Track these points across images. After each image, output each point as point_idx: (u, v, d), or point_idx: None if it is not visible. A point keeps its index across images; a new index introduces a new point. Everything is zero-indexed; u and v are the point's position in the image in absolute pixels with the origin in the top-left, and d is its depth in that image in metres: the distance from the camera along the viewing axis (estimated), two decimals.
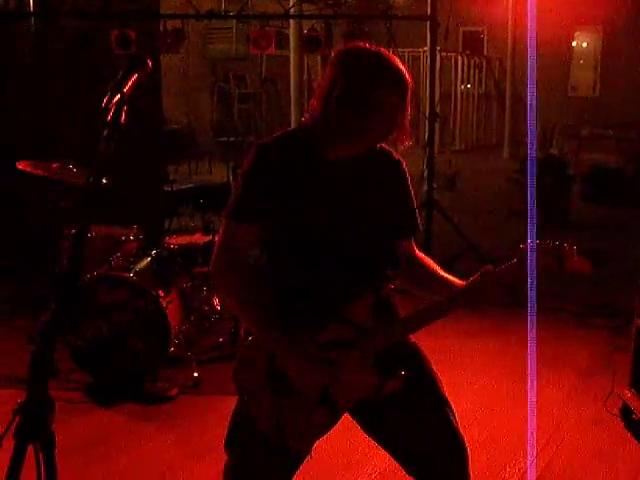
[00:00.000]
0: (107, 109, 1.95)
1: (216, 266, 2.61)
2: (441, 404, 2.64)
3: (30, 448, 1.93)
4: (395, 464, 2.70)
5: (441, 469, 2.60)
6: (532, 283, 2.47)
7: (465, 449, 2.60)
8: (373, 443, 2.71)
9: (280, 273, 2.66)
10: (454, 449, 2.59)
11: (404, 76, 2.52)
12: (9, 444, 1.95)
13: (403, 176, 2.75)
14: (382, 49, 2.58)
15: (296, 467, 2.67)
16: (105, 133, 1.94)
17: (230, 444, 2.68)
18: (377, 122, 2.51)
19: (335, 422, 2.57)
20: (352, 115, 2.48)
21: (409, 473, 2.66)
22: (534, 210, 3.50)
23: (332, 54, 2.62)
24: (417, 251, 2.83)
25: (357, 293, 2.55)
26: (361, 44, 2.57)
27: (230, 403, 2.70)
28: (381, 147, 2.68)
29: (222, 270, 2.60)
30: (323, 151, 2.58)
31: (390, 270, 2.77)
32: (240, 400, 2.65)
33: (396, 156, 2.74)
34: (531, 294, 2.52)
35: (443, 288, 2.64)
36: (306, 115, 2.64)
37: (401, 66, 2.53)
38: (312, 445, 2.58)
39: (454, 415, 2.64)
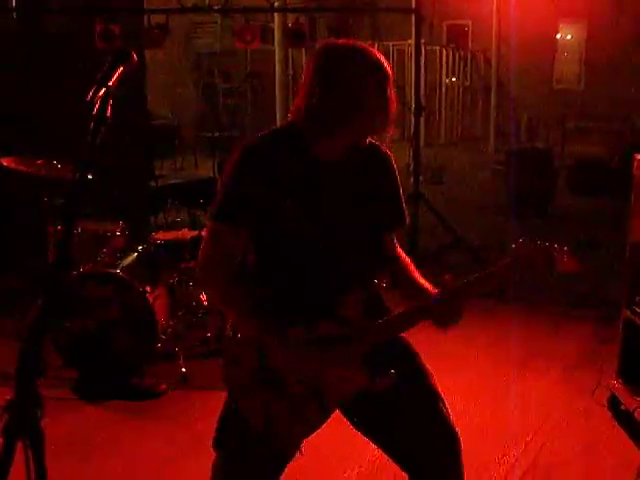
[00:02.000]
0: (92, 103, 1.94)
1: (201, 265, 2.62)
2: (434, 399, 2.64)
3: (19, 446, 1.92)
4: (385, 458, 2.70)
5: (435, 463, 2.60)
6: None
7: (458, 443, 2.61)
8: (362, 437, 2.70)
9: (269, 272, 2.64)
10: (448, 443, 2.60)
11: (384, 68, 2.53)
12: None
13: (391, 170, 2.75)
14: (361, 43, 2.59)
15: (285, 464, 2.66)
16: (91, 127, 1.93)
17: (218, 444, 2.67)
18: (359, 115, 2.51)
19: (325, 419, 2.57)
20: (334, 109, 2.49)
21: (402, 467, 2.66)
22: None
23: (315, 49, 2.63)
24: (398, 248, 2.84)
25: (347, 289, 2.55)
26: (339, 40, 2.58)
27: (219, 398, 2.69)
28: (370, 142, 2.67)
29: (207, 269, 2.60)
30: (309, 149, 2.57)
31: (380, 266, 2.77)
32: (229, 398, 2.64)
33: (384, 150, 2.74)
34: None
35: (414, 293, 2.65)
36: (291, 113, 2.64)
37: (381, 58, 2.54)
38: (302, 442, 2.57)
39: (447, 409, 2.64)
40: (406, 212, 2.84)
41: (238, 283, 2.59)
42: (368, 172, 2.67)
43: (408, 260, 2.82)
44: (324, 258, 2.58)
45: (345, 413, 2.67)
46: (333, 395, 2.52)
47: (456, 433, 2.61)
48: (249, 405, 2.56)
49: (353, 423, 2.69)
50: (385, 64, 2.54)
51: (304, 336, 2.51)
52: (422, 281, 2.70)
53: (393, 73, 2.59)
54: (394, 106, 2.56)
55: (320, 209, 2.57)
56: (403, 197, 2.82)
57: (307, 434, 2.57)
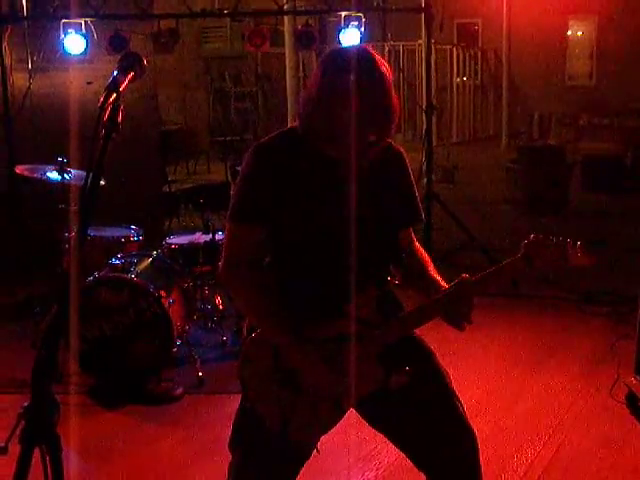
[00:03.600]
0: (103, 108, 1.94)
1: (223, 267, 2.62)
2: (449, 396, 2.63)
3: (37, 452, 1.93)
4: (402, 459, 2.69)
5: (451, 462, 2.58)
6: None
7: (475, 441, 2.59)
8: (381, 438, 2.70)
9: (285, 271, 2.65)
10: (463, 441, 2.59)
11: (380, 73, 2.48)
12: (15, 449, 1.94)
13: (404, 166, 2.76)
14: (364, 47, 2.57)
15: (301, 464, 2.65)
16: (102, 132, 1.93)
17: (234, 443, 2.67)
18: (353, 122, 2.47)
19: (341, 417, 2.57)
20: (327, 117, 2.49)
21: (419, 467, 2.65)
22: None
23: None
24: (416, 244, 2.84)
25: (361, 288, 2.55)
26: (348, 46, 2.57)
27: (234, 402, 2.69)
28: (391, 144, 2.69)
29: (228, 271, 2.61)
30: (321, 148, 2.58)
31: (394, 264, 2.77)
32: (244, 398, 2.64)
33: (397, 147, 2.75)
34: None
35: (426, 286, 2.66)
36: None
37: (379, 63, 2.50)
38: (318, 440, 2.58)
39: (463, 407, 2.63)
40: (421, 208, 2.84)
41: (258, 284, 2.60)
42: (382, 169, 2.66)
43: (426, 256, 2.81)
44: (338, 256, 2.58)
45: (361, 411, 2.66)
46: (348, 394, 2.52)
47: (472, 431, 2.60)
48: (265, 405, 2.56)
49: (369, 421, 2.69)
50: (382, 69, 2.49)
51: (319, 336, 2.52)
52: (436, 276, 2.70)
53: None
54: (385, 106, 2.51)
55: (334, 207, 2.57)
56: (417, 192, 2.82)
57: (322, 433, 2.57)
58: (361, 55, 2.50)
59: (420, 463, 2.65)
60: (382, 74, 2.49)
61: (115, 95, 1.96)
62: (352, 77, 2.44)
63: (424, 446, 2.61)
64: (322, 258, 2.60)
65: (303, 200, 2.56)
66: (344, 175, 2.57)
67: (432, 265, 2.77)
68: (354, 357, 2.50)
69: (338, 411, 2.55)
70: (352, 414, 2.59)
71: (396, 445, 2.69)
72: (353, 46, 2.60)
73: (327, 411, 2.53)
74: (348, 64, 2.46)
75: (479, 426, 2.61)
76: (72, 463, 2.08)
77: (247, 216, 2.57)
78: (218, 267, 2.67)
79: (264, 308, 2.58)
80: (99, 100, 1.95)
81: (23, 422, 1.90)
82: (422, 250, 2.84)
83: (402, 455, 2.68)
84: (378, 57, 2.53)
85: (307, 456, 2.62)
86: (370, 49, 2.55)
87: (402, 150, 2.75)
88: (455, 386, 2.67)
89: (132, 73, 2.06)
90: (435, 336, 2.77)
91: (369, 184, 2.62)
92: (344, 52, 2.57)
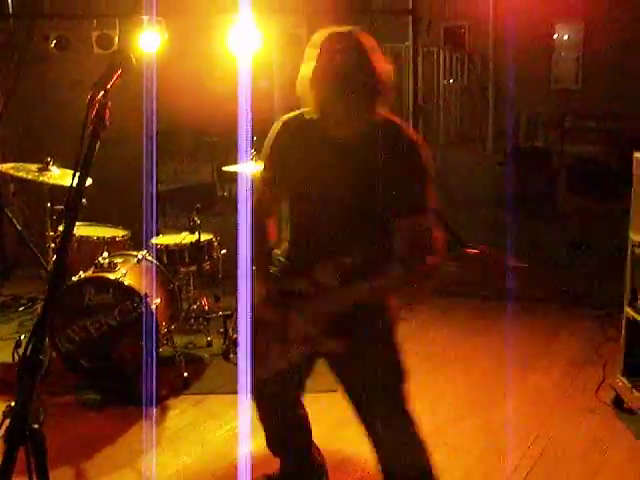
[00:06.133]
0: (91, 106, 1.92)
1: (252, 205, 3.18)
2: (376, 375, 2.98)
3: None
4: None
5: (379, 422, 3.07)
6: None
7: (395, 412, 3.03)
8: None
9: (288, 222, 3.14)
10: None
11: (364, 53, 2.79)
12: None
13: (410, 154, 2.90)
14: (354, 30, 2.88)
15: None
16: (90, 130, 1.92)
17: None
18: (341, 101, 2.83)
19: (287, 363, 2.96)
20: (317, 96, 2.86)
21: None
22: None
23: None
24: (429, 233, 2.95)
25: (330, 254, 2.90)
26: (337, 28, 2.88)
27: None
28: (394, 125, 2.91)
29: (253, 208, 3.16)
30: (324, 125, 2.93)
31: (380, 244, 2.97)
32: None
33: (409, 136, 2.93)
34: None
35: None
36: None
37: (365, 44, 2.81)
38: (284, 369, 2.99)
39: (395, 388, 3.03)
40: (423, 199, 2.92)
41: (264, 227, 3.16)
42: (377, 152, 2.85)
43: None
44: (321, 223, 2.97)
45: (327, 362, 3.04)
46: (295, 345, 2.93)
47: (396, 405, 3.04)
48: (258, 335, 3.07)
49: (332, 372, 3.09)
50: (357, 42, 2.81)
51: (285, 287, 2.97)
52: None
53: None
54: (370, 84, 2.80)
55: (322, 178, 2.93)
56: (425, 184, 2.92)
57: (281, 368, 2.99)
58: (347, 37, 2.83)
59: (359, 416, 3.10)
60: (366, 54, 2.80)
61: (103, 93, 1.94)
62: (338, 58, 2.78)
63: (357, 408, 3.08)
64: (310, 221, 3.02)
65: (302, 169, 3.00)
66: (335, 150, 2.91)
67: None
68: (300, 314, 2.89)
69: (284, 357, 2.95)
70: (337, 417, 2.59)
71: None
72: (344, 28, 2.87)
73: (276, 353, 2.95)
74: (336, 46, 2.80)
75: (465, 427, 2.62)
76: (54, 463, 2.06)
77: (266, 166, 3.14)
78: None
79: (258, 247, 3.13)
80: (87, 98, 1.93)
81: (7, 421, 1.88)
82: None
83: None
84: (365, 38, 2.85)
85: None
86: (358, 31, 2.87)
87: (418, 140, 2.94)
88: (441, 388, 2.69)
89: (120, 71, 2.04)
90: (424, 338, 2.78)
91: (358, 162, 2.88)
92: (334, 35, 2.86)
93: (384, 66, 2.84)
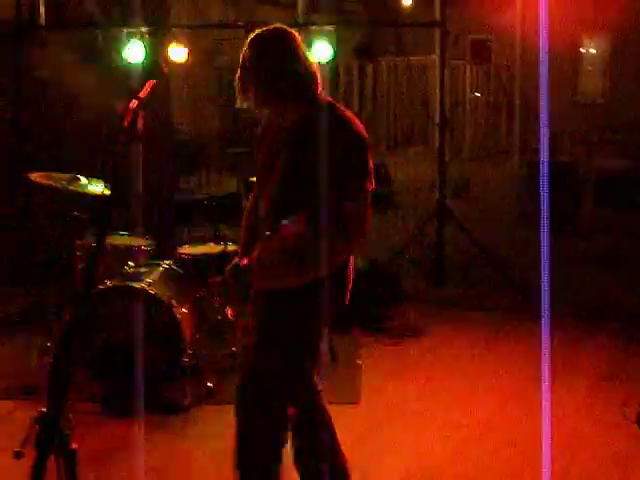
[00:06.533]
0: (124, 115, 1.94)
1: None
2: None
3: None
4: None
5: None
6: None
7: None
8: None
9: None
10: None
11: (261, 52, 3.17)
12: (30, 453, 1.93)
13: (331, 147, 2.98)
14: (266, 29, 3.30)
15: None
16: (123, 139, 1.93)
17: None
18: (260, 95, 3.15)
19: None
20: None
21: None
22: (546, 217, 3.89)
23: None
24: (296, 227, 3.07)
25: (261, 232, 3.18)
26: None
27: None
28: (332, 117, 3.06)
29: None
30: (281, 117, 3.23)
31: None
32: None
33: (340, 125, 3.06)
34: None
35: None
36: None
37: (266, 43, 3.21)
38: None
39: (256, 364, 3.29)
40: (318, 201, 2.98)
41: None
42: (298, 143, 3.08)
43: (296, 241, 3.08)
44: (260, 208, 3.27)
45: None
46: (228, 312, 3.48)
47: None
48: None
49: None
50: (257, 37, 3.23)
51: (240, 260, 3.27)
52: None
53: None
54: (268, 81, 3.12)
55: (259, 168, 3.30)
56: (332, 182, 2.98)
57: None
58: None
59: None
60: (262, 54, 3.17)
61: (136, 102, 1.96)
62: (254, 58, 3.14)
63: None
64: (257, 206, 3.33)
65: (257, 154, 3.35)
66: (275, 140, 3.21)
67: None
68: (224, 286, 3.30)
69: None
70: (357, 431, 2.58)
71: None
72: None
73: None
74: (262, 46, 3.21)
75: (489, 441, 2.61)
76: (81, 471, 2.07)
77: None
78: None
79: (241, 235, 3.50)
80: (119, 107, 1.95)
81: (37, 427, 1.89)
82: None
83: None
84: (267, 36, 3.26)
85: None
86: (265, 30, 3.30)
87: (354, 129, 3.08)
88: (465, 401, 2.67)
89: (153, 82, 2.06)
90: (447, 352, 2.76)
91: (283, 152, 3.12)
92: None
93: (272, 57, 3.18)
